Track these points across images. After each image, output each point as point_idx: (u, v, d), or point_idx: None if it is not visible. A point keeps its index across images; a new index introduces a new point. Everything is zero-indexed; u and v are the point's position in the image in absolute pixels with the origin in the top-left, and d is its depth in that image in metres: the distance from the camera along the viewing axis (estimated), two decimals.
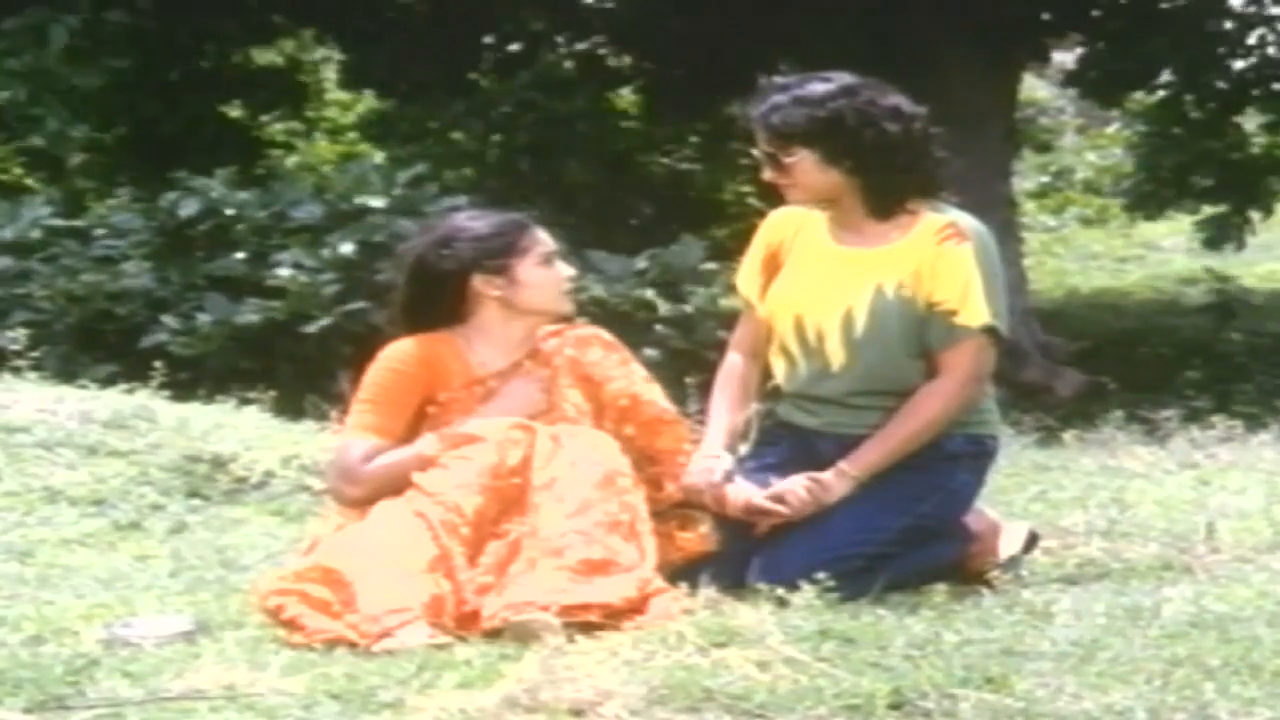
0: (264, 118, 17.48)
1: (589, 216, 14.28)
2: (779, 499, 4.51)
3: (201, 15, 14.53)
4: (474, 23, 14.88)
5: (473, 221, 4.67)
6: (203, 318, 10.15)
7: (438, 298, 4.61)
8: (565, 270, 4.64)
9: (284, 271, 10.32)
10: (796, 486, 4.51)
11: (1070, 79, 17.54)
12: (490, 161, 14.89)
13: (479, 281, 4.58)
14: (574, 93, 15.37)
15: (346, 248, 10.37)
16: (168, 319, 10.20)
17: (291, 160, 17.91)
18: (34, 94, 12.75)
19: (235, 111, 16.71)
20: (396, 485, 4.36)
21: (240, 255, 10.66)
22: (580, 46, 16.44)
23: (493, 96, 15.07)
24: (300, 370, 9.70)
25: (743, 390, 4.79)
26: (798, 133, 4.57)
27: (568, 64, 16.30)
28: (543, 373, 4.59)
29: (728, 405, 4.76)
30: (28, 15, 12.77)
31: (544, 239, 4.64)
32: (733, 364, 4.82)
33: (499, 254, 4.57)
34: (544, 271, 4.59)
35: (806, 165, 4.59)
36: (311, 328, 9.92)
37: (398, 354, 4.59)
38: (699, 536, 4.56)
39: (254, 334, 10.11)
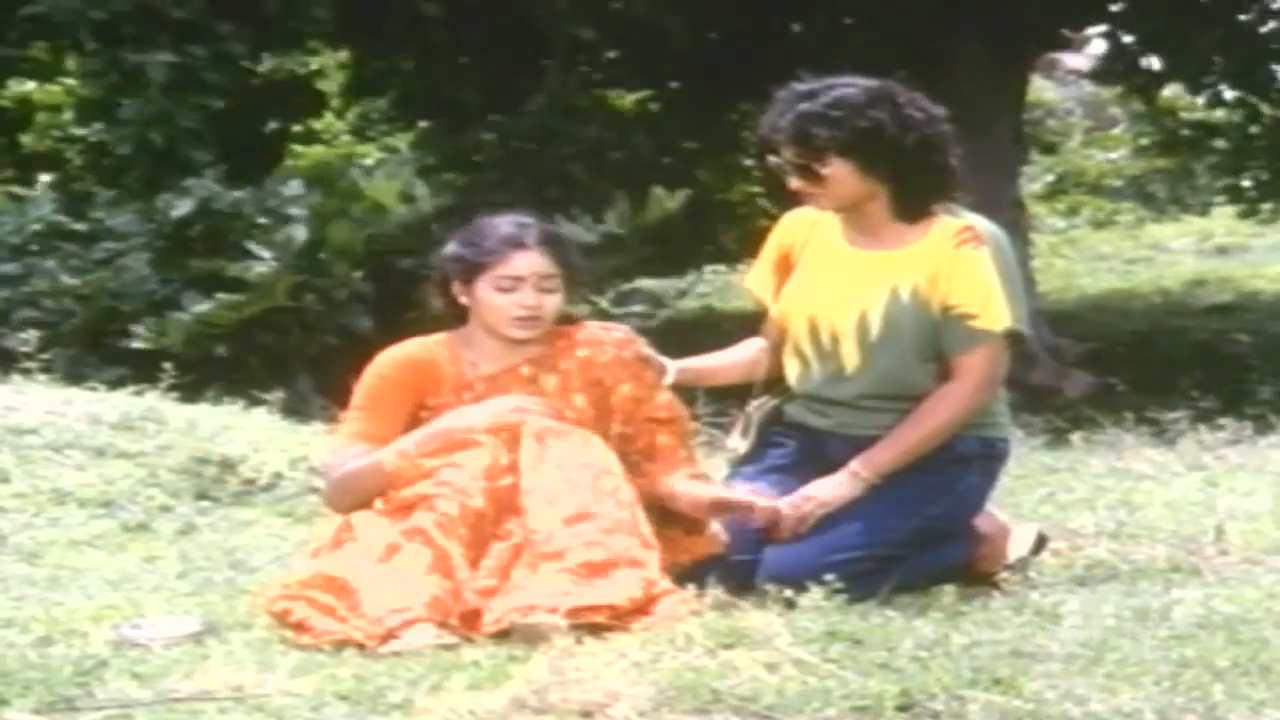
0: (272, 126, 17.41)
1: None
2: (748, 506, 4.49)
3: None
4: (508, 32, 14.82)
5: (481, 226, 4.66)
6: (178, 315, 10.17)
7: (442, 296, 4.64)
8: (528, 300, 4.50)
9: (257, 264, 10.35)
10: (782, 504, 4.52)
11: (1099, 74, 17.50)
12: (516, 183, 14.89)
13: (455, 288, 4.59)
14: (590, 118, 15.32)
15: (298, 232, 10.37)
16: (143, 325, 10.22)
17: (298, 164, 17.88)
18: (139, 137, 12.75)
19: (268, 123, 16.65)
20: (357, 492, 4.37)
21: (226, 254, 10.68)
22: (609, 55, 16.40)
23: (517, 121, 15.05)
24: (271, 362, 9.74)
25: (748, 357, 4.82)
26: (836, 144, 4.52)
27: (587, 69, 16.26)
28: (548, 379, 4.56)
29: (725, 352, 4.85)
30: (108, 54, 12.78)
31: (517, 263, 4.50)
32: (754, 339, 4.86)
33: (466, 265, 4.55)
34: (495, 295, 4.51)
35: (842, 175, 4.56)
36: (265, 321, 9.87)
37: (387, 361, 4.59)
38: (707, 539, 4.55)
39: (222, 327, 10.13)
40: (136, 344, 10.01)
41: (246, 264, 10.36)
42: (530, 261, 4.52)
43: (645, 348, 4.67)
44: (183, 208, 10.95)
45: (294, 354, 10.14)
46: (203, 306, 10.16)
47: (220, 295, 10.27)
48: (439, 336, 4.63)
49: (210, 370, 9.62)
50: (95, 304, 10.44)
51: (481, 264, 4.53)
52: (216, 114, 12.89)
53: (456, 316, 4.62)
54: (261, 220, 10.86)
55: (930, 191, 4.59)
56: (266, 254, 10.37)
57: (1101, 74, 17.46)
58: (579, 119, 14.94)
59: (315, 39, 15.19)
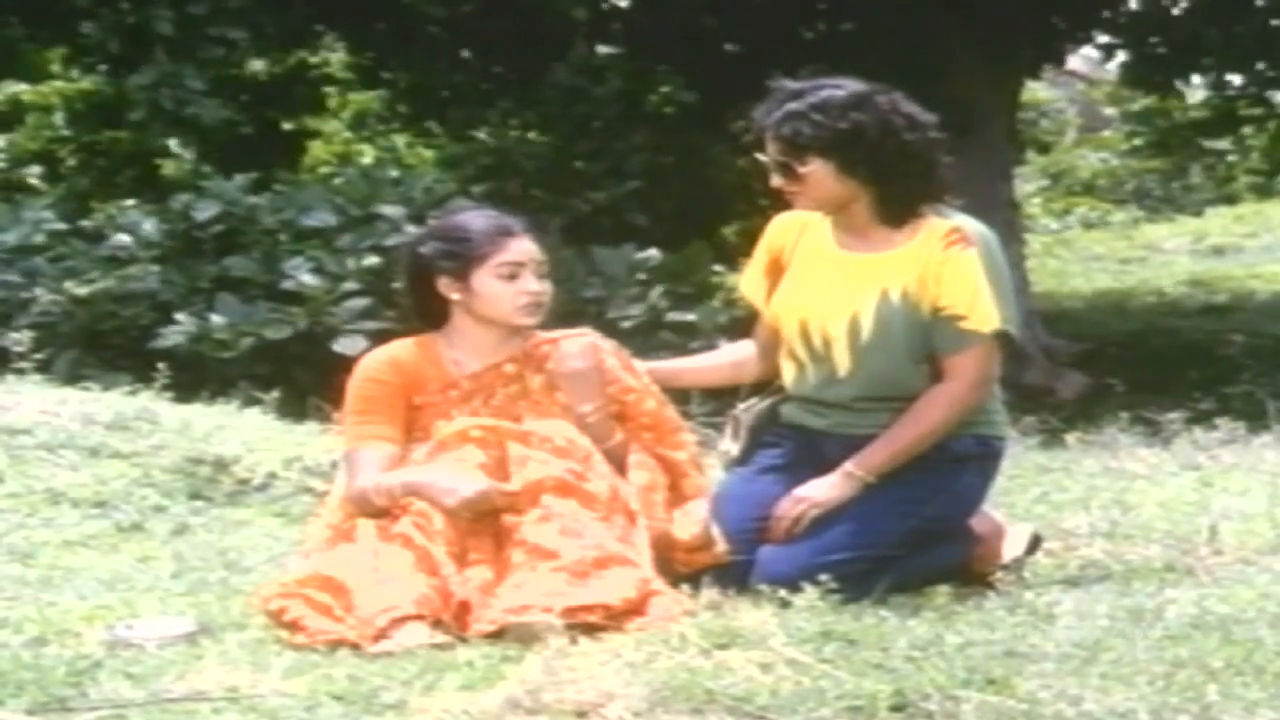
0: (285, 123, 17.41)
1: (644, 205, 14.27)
2: None
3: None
4: (508, 19, 14.83)
5: (460, 221, 4.64)
6: (215, 319, 10.10)
7: (418, 296, 4.62)
8: (531, 285, 4.50)
9: (305, 277, 10.27)
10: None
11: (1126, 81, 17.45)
12: (539, 153, 14.80)
13: (443, 284, 4.55)
14: (610, 80, 15.26)
15: (369, 259, 10.30)
16: (182, 319, 10.14)
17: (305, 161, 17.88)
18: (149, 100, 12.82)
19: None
20: (362, 508, 4.39)
21: (251, 257, 10.64)
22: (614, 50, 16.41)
23: (536, 88, 14.97)
24: (311, 375, 9.65)
25: (729, 360, 4.90)
26: (816, 144, 4.53)
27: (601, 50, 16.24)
28: (535, 379, 4.55)
29: (702, 355, 5.02)
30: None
31: (515, 249, 4.51)
32: (741, 343, 4.88)
33: (458, 259, 4.52)
34: (499, 284, 4.49)
35: (821, 175, 4.57)
36: (344, 346, 9.65)
37: (371, 365, 4.57)
38: (710, 555, 4.52)
39: (277, 343, 10.04)
40: (166, 342, 9.91)
41: (305, 278, 10.24)
42: (526, 247, 4.54)
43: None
44: (205, 211, 10.92)
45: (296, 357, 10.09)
46: (275, 329, 10.02)
47: (267, 304, 10.18)
48: (422, 336, 4.61)
49: (205, 370, 9.60)
50: (97, 307, 10.40)
51: (477, 255, 4.51)
52: (227, 109, 12.94)
53: (434, 316, 4.61)
54: (276, 225, 10.81)
55: (913, 197, 4.59)
56: (324, 268, 10.29)
57: (1128, 79, 17.37)
58: (603, 80, 14.91)
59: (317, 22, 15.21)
